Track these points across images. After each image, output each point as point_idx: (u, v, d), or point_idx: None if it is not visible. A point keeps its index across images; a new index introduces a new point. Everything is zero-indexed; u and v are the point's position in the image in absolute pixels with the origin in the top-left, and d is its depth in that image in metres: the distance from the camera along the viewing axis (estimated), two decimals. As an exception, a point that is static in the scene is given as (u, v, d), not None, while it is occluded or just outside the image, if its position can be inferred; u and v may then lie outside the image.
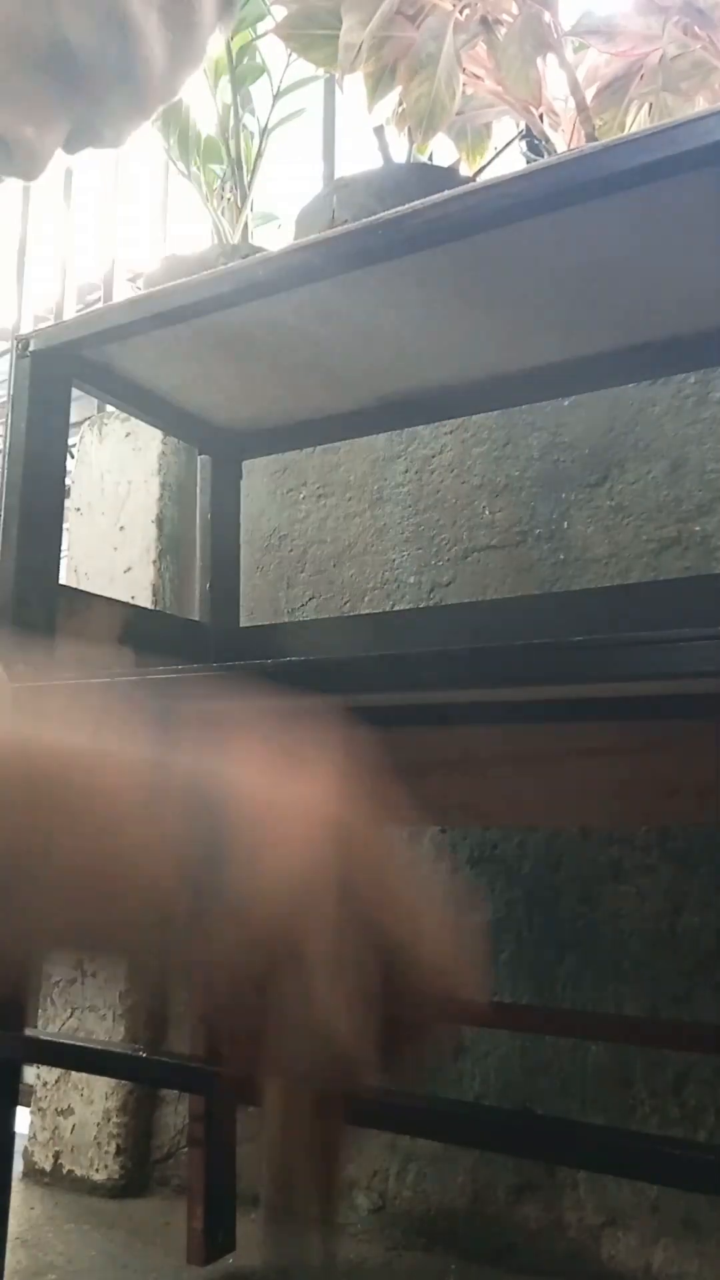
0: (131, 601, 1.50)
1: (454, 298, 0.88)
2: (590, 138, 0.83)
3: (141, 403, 1.07)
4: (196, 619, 1.23)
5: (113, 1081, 1.37)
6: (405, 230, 0.75)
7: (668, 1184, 0.95)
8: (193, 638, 1.16)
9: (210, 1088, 0.99)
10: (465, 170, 0.98)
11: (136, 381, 1.04)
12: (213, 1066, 0.99)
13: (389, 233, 0.76)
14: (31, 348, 0.95)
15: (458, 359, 1.00)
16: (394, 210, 0.76)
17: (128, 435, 1.54)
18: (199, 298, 0.86)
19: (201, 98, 1.11)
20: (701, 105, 0.84)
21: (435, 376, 1.04)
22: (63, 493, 0.99)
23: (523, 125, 0.96)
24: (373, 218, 0.77)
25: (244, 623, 1.26)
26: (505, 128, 0.99)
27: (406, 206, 0.76)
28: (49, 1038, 1.08)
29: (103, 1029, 1.39)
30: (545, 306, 0.89)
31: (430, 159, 1.03)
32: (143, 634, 0.96)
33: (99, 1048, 1.00)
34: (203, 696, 0.84)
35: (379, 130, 0.94)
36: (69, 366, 0.97)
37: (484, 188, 0.73)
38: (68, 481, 1.05)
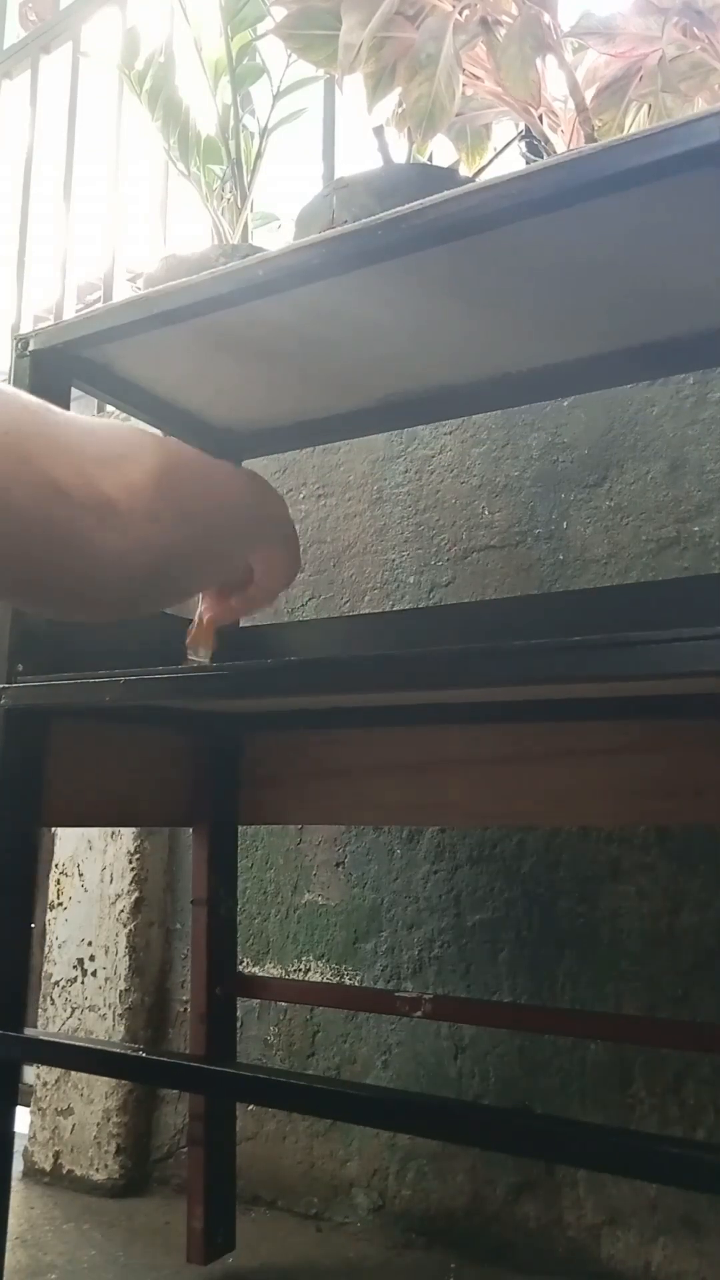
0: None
1: (455, 298, 0.88)
2: (590, 139, 0.83)
3: (141, 403, 1.07)
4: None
5: (112, 1081, 1.37)
6: (404, 230, 0.75)
7: (661, 1182, 0.95)
8: (190, 637, 1.17)
9: (210, 1087, 1.00)
10: (465, 171, 0.98)
11: (136, 382, 1.04)
12: (212, 1065, 0.99)
13: (388, 233, 0.76)
14: (31, 347, 0.95)
15: (460, 359, 1.00)
16: (393, 210, 0.76)
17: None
18: (199, 298, 0.85)
19: (201, 98, 1.11)
20: (701, 106, 0.84)
21: (436, 376, 1.03)
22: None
23: (522, 126, 0.96)
24: (372, 218, 0.77)
25: (243, 622, 1.26)
26: (505, 129, 0.99)
27: (406, 206, 0.76)
28: (49, 1037, 1.08)
29: (103, 1029, 1.39)
30: (546, 307, 0.90)
31: (430, 159, 1.03)
32: (140, 633, 0.96)
33: (99, 1047, 1.00)
34: (201, 695, 0.84)
35: (379, 131, 0.94)
36: (69, 366, 0.97)
37: (485, 188, 0.73)
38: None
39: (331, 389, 1.07)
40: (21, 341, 0.96)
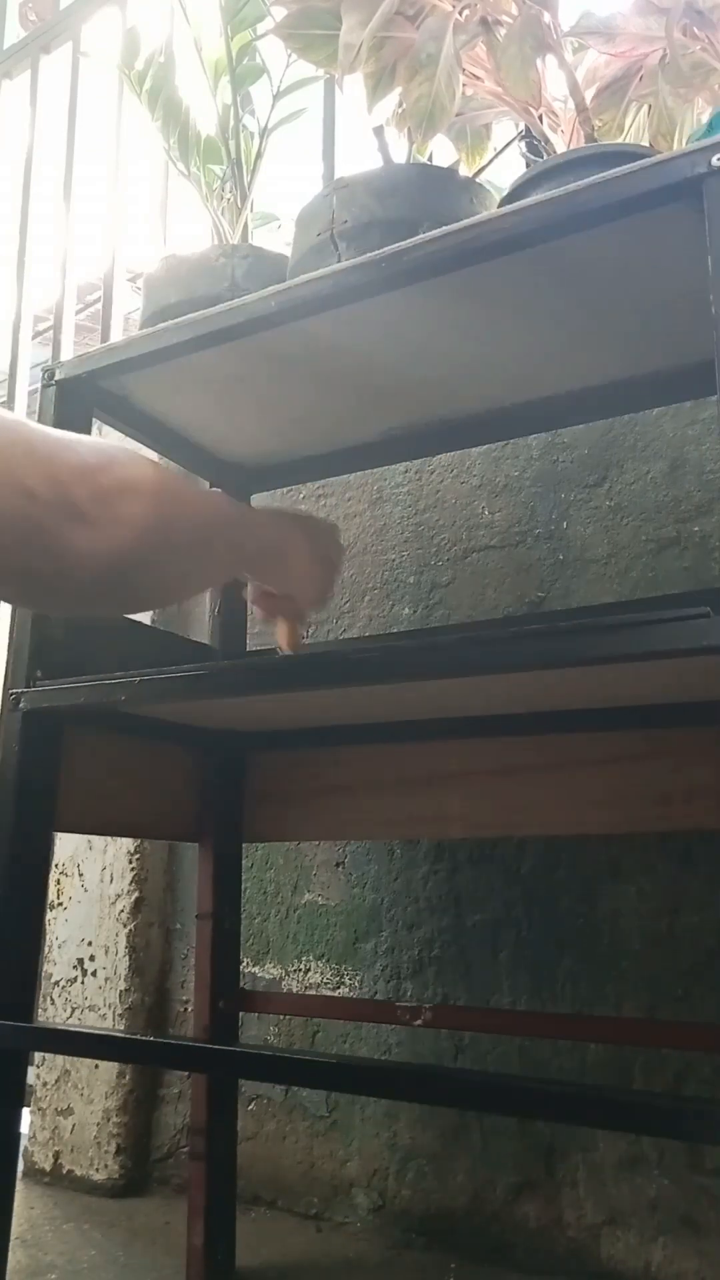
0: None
1: (455, 330, 0.89)
2: (590, 139, 0.83)
3: (156, 435, 1.10)
4: (206, 642, 1.25)
5: (112, 1081, 1.37)
6: (405, 263, 0.77)
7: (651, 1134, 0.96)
8: (202, 659, 1.18)
9: (214, 1067, 1.00)
10: (465, 171, 0.98)
11: (151, 414, 1.06)
12: (215, 1046, 1.00)
13: (391, 264, 0.78)
14: (57, 377, 0.98)
15: (460, 391, 1.01)
16: (395, 245, 0.78)
17: (123, 439, 1.55)
18: (210, 330, 0.88)
19: (201, 98, 1.11)
20: (700, 107, 0.84)
21: (440, 408, 1.05)
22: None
23: (522, 126, 0.96)
24: (375, 252, 0.79)
25: (250, 645, 1.28)
26: (505, 128, 0.99)
27: (409, 240, 0.77)
28: (53, 1027, 1.08)
29: (102, 1028, 1.39)
30: (549, 336, 0.90)
31: (430, 159, 1.03)
32: (153, 656, 0.99)
33: (103, 1033, 1.01)
34: (208, 695, 0.85)
35: (379, 131, 0.94)
36: (91, 396, 1.00)
37: (479, 223, 0.74)
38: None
39: (338, 422, 1.08)
40: (48, 372, 1.00)
